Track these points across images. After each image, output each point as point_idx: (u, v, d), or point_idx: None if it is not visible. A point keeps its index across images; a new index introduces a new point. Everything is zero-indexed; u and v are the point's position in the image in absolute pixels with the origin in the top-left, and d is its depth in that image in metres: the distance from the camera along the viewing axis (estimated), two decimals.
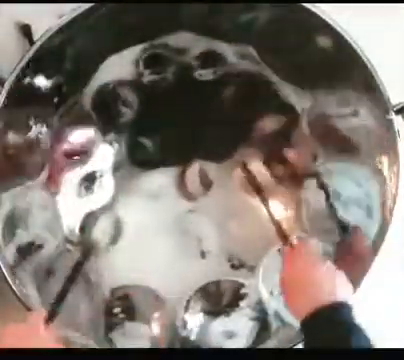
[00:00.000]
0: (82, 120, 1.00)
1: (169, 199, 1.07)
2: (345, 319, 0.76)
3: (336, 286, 0.81)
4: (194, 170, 1.08)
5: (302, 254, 0.87)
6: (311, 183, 1.03)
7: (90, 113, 1.00)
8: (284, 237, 0.93)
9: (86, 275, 0.99)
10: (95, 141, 1.03)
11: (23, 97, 0.85)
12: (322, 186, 1.01)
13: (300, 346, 0.96)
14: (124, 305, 1.00)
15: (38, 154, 0.94)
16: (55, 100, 0.93)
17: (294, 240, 0.93)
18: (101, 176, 1.04)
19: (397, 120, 0.91)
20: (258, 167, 1.08)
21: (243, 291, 1.03)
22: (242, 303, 1.02)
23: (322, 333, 0.76)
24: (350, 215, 0.99)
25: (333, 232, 0.99)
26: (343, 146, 0.99)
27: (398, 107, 0.90)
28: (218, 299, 1.03)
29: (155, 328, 1.00)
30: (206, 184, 1.08)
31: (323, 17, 0.86)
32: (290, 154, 1.06)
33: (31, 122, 0.90)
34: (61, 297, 0.86)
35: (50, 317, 0.81)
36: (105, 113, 1.01)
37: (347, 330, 0.74)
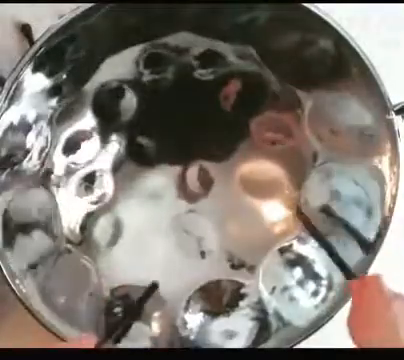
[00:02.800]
0: (82, 120, 1.00)
1: (169, 199, 1.07)
2: None
3: None
4: (194, 170, 1.08)
5: (375, 291, 0.81)
6: (312, 182, 1.03)
7: (90, 113, 1.00)
8: (350, 274, 0.89)
9: (87, 274, 0.99)
10: (95, 141, 1.03)
11: (23, 97, 0.85)
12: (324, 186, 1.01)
13: (300, 346, 0.96)
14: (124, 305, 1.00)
15: (38, 154, 0.94)
16: (55, 100, 0.93)
17: (365, 276, 0.86)
18: (101, 176, 1.04)
19: (397, 120, 0.91)
20: (258, 167, 1.08)
21: (243, 291, 1.03)
22: (242, 303, 1.02)
23: None
24: (350, 215, 0.99)
25: (333, 233, 0.99)
26: (343, 146, 0.99)
27: (398, 107, 0.90)
28: (218, 299, 1.03)
29: (155, 328, 1.00)
30: (206, 184, 1.08)
31: (323, 17, 0.86)
32: (290, 153, 1.06)
33: (31, 122, 0.90)
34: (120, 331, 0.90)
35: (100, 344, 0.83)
36: (105, 113, 1.01)
37: None
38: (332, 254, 0.94)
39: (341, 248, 0.97)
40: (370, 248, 0.96)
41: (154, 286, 0.98)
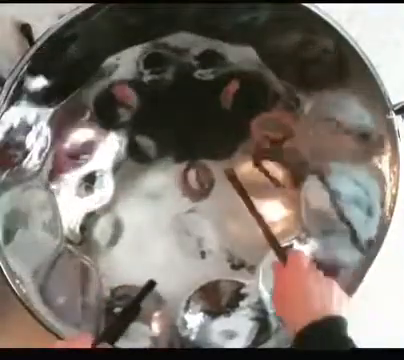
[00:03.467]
0: (82, 120, 1.00)
1: (169, 199, 1.07)
2: (337, 334, 0.76)
3: (331, 299, 0.79)
4: (194, 170, 1.08)
5: (294, 266, 0.85)
6: (312, 182, 1.03)
7: (90, 113, 1.00)
8: (279, 251, 0.91)
9: (87, 275, 0.99)
10: (95, 141, 1.03)
11: (23, 97, 0.85)
12: (324, 185, 1.01)
13: None
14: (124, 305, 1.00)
15: (38, 154, 0.94)
16: (55, 100, 0.93)
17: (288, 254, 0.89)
18: (101, 176, 1.04)
19: (397, 120, 0.91)
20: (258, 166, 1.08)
21: (243, 291, 1.03)
22: (242, 303, 1.02)
23: (316, 347, 0.75)
24: (350, 214, 0.99)
25: (332, 233, 0.99)
26: (343, 146, 0.99)
27: (398, 107, 0.90)
28: (218, 299, 1.03)
29: (155, 328, 1.00)
30: (207, 184, 1.08)
31: (323, 17, 0.86)
32: (290, 153, 1.06)
33: (31, 122, 0.90)
34: (116, 331, 0.90)
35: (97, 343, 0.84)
36: (105, 113, 1.01)
37: (339, 346, 0.74)
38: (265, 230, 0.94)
39: (341, 247, 0.98)
40: (366, 247, 0.96)
41: (151, 284, 0.98)
